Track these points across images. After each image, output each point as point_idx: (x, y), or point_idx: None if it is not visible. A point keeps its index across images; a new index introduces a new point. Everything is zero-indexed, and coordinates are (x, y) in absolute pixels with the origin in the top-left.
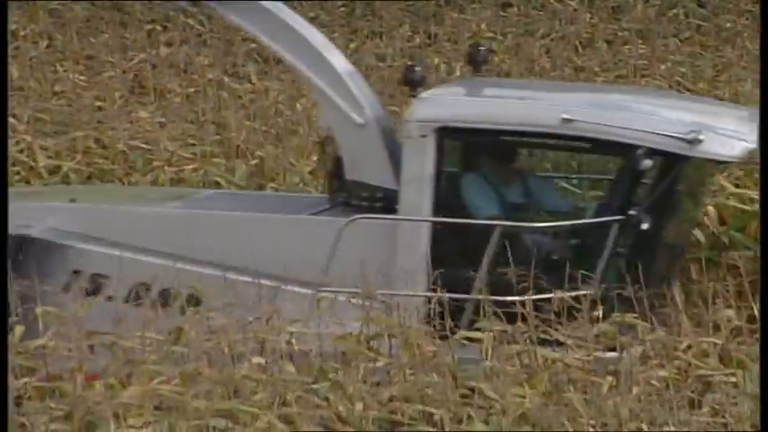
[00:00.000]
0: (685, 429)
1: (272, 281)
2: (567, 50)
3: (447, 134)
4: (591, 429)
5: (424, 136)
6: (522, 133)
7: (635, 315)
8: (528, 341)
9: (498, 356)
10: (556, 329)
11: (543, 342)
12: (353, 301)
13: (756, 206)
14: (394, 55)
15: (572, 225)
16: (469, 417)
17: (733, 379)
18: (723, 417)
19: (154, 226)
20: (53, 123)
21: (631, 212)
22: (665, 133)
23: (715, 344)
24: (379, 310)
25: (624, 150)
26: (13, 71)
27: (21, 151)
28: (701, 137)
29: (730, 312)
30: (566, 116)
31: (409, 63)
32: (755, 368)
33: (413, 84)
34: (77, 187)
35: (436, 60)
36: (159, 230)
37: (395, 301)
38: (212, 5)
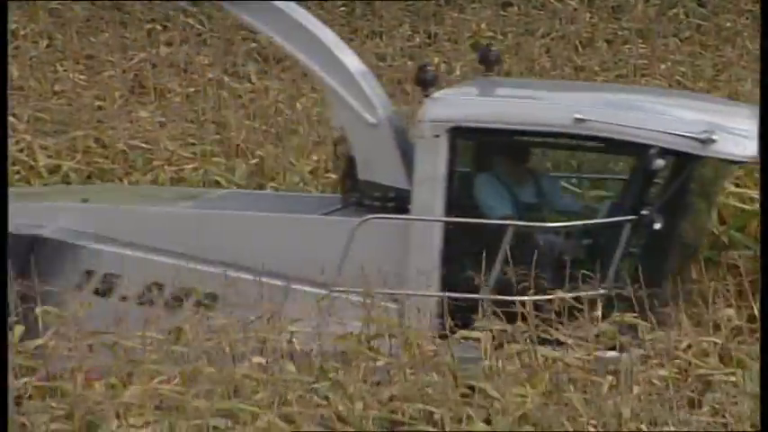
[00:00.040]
0: (685, 429)
1: (284, 281)
2: (568, 50)
3: (460, 134)
4: (591, 429)
5: (436, 136)
6: (535, 133)
7: (643, 316)
8: (528, 340)
9: (498, 356)
10: (556, 329)
11: (543, 341)
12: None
13: (756, 205)
14: (394, 55)
15: (585, 225)
16: (469, 416)
17: (733, 378)
18: (723, 416)
19: (167, 226)
20: (53, 123)
21: (644, 212)
22: (678, 133)
23: (715, 343)
24: (391, 310)
25: (637, 150)
26: (13, 71)
27: (21, 151)
28: (714, 136)
29: (730, 312)
30: (579, 116)
31: (422, 63)
32: (755, 367)
33: (425, 84)
34: (78, 187)
35: (436, 60)
36: (172, 230)
37: (406, 301)
38: (225, 6)
